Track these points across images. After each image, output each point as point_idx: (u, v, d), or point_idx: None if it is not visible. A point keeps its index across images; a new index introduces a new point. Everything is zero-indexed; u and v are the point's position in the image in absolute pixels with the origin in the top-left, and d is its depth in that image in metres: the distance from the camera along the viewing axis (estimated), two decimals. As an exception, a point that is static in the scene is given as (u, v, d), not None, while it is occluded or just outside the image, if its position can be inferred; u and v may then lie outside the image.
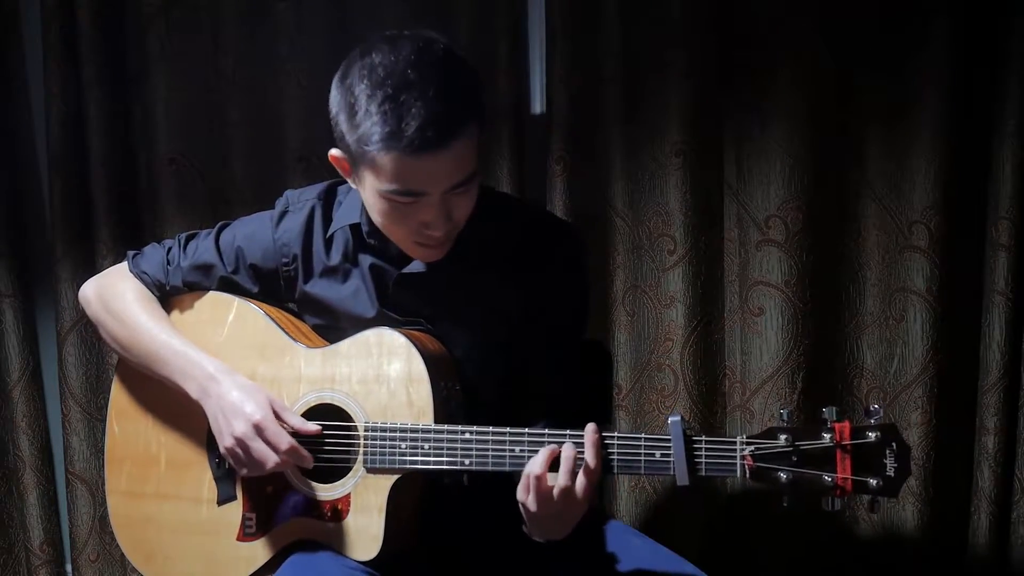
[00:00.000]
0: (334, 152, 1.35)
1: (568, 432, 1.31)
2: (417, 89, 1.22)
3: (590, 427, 1.28)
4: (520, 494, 1.30)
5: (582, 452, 1.28)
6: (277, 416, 1.39)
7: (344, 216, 1.48)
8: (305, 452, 1.38)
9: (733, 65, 1.95)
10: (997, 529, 1.98)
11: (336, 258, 1.49)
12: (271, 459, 1.37)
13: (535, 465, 1.28)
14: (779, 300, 1.95)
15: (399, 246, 1.41)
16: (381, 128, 1.23)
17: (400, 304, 1.46)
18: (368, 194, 1.34)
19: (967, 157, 1.91)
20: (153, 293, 1.56)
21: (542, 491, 1.27)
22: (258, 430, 1.37)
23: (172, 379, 1.46)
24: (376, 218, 1.37)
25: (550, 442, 1.30)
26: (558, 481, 1.27)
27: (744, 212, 1.98)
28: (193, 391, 1.44)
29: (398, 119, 1.22)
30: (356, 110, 1.25)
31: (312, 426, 1.40)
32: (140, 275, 1.56)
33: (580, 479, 1.26)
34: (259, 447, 1.37)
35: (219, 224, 1.58)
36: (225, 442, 1.39)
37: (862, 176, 1.96)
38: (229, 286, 1.54)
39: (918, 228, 1.93)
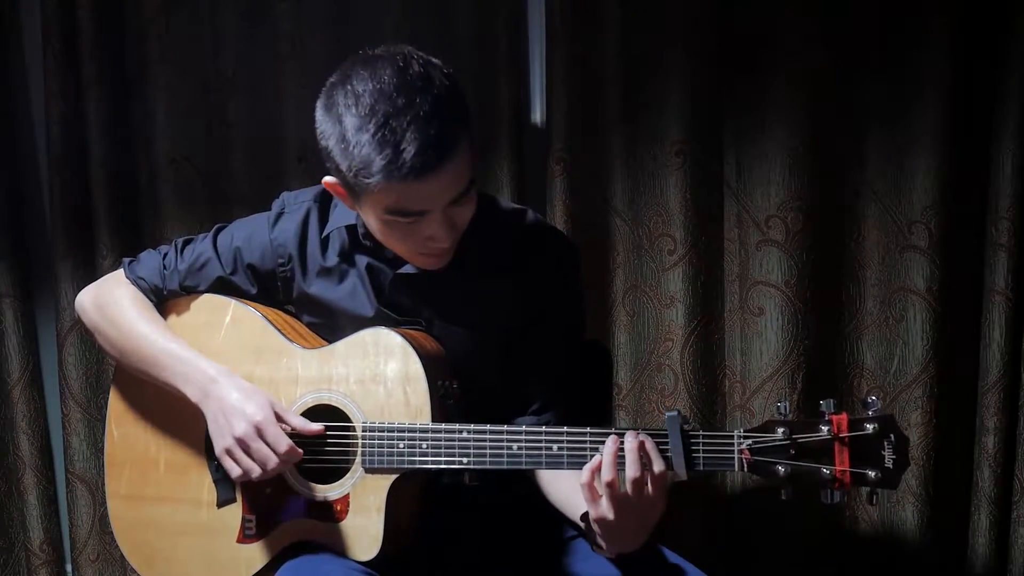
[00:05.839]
0: (329, 179, 1.34)
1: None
2: (407, 114, 1.21)
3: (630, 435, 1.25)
4: (593, 511, 1.25)
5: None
6: (278, 418, 1.38)
7: (340, 217, 1.48)
8: (299, 451, 1.37)
9: (733, 65, 1.95)
10: (997, 529, 1.98)
11: (332, 259, 1.49)
12: (271, 460, 1.35)
13: (607, 472, 1.24)
14: (779, 300, 1.95)
15: (404, 258, 1.41)
16: (377, 159, 1.22)
17: (396, 304, 1.46)
18: (370, 218, 1.34)
19: (967, 157, 1.91)
20: (150, 299, 1.55)
21: (615, 495, 1.24)
22: (259, 431, 1.36)
23: (171, 383, 1.46)
24: (379, 237, 1.37)
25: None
26: (627, 474, 1.23)
27: (744, 212, 1.98)
28: (192, 394, 1.43)
29: (394, 148, 1.21)
30: (348, 141, 1.24)
31: (315, 426, 1.39)
32: (136, 281, 1.55)
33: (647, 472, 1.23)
34: (260, 447, 1.36)
35: (215, 227, 1.57)
36: (225, 442, 1.38)
37: (862, 176, 1.96)
38: (227, 287, 1.54)
39: (918, 228, 1.92)
